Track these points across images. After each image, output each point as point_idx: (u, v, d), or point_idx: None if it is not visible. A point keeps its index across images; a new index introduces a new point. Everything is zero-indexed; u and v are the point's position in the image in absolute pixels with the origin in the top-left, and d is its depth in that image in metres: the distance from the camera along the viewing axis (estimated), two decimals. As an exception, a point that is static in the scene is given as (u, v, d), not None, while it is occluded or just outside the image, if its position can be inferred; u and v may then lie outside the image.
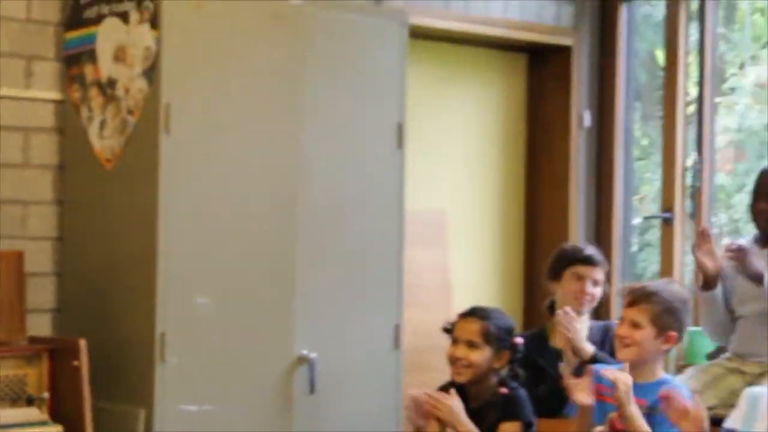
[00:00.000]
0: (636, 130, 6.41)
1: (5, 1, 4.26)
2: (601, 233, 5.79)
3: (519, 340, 4.14)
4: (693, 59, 5.89)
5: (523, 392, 4.06)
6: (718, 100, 8.45)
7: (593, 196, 5.90)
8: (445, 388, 4.03)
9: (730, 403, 3.81)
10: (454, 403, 4.13)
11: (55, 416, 3.72)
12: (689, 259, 5.26)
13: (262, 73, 4.23)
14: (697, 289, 4.32)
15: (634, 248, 6.51)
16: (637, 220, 6.09)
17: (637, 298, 3.64)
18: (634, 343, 3.60)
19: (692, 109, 7.11)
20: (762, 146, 8.16)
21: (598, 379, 4.02)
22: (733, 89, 8.35)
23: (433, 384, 4.14)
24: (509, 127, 5.95)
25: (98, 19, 4.23)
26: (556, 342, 4.52)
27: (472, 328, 3.94)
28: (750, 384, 3.78)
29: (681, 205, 5.45)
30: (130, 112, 4.01)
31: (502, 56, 5.94)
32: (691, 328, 4.57)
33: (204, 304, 3.90)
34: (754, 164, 8.24)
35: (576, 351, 4.22)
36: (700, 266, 4.16)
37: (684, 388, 3.71)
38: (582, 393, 3.73)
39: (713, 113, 5.91)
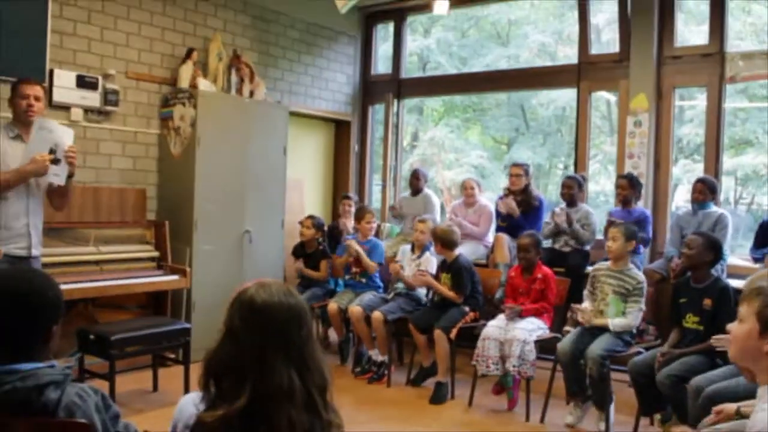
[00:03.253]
0: (376, 153, 8.01)
1: (136, 90, 5.64)
2: (362, 189, 7.54)
3: (325, 228, 6.03)
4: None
5: (327, 247, 6.01)
6: (415, 143, 10.75)
7: (358, 177, 7.61)
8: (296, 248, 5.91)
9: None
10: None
11: None
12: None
13: (236, 130, 5.79)
14: None
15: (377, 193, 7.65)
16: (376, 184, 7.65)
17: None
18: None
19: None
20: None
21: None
22: (421, 140, 11.07)
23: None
24: (329, 150, 7.62)
25: (173, 104, 5.79)
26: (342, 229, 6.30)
27: (308, 222, 5.87)
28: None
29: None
30: (185, 138, 5.68)
31: (325, 124, 7.58)
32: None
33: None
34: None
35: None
36: None
37: None
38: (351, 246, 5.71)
39: (403, 153, 7.51)
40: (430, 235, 5.47)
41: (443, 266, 5.33)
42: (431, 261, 5.55)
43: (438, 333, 5.02)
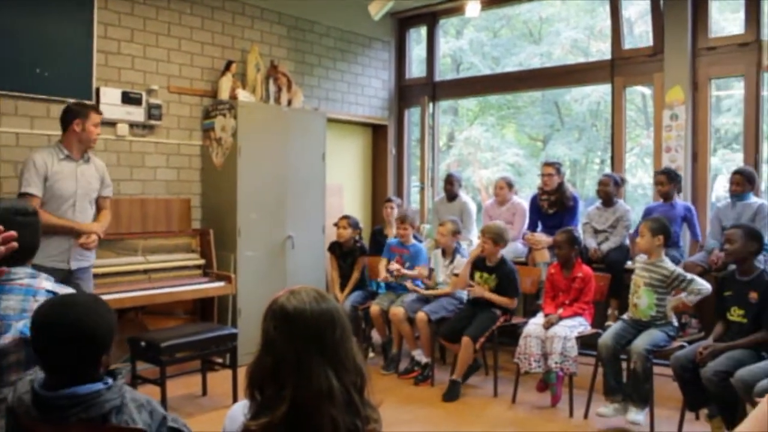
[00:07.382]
0: (413, 155, 7.74)
1: (178, 104, 5.66)
2: (400, 191, 7.48)
3: (361, 226, 6.03)
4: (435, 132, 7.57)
5: (364, 245, 5.97)
6: (451, 143, 11.15)
7: (396, 177, 7.58)
8: (332, 245, 5.87)
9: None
10: None
11: None
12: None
13: (275, 138, 5.72)
14: None
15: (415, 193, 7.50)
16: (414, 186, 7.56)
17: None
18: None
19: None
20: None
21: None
22: (457, 140, 11.13)
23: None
24: (367, 154, 7.57)
25: (214, 116, 5.80)
26: (386, 232, 6.26)
27: (344, 222, 5.93)
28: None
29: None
30: (227, 148, 5.67)
31: (362, 128, 7.48)
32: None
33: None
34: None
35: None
36: None
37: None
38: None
39: (438, 152, 7.42)
40: (452, 237, 5.55)
41: (481, 266, 5.24)
42: (464, 264, 5.54)
43: (466, 341, 5.01)
